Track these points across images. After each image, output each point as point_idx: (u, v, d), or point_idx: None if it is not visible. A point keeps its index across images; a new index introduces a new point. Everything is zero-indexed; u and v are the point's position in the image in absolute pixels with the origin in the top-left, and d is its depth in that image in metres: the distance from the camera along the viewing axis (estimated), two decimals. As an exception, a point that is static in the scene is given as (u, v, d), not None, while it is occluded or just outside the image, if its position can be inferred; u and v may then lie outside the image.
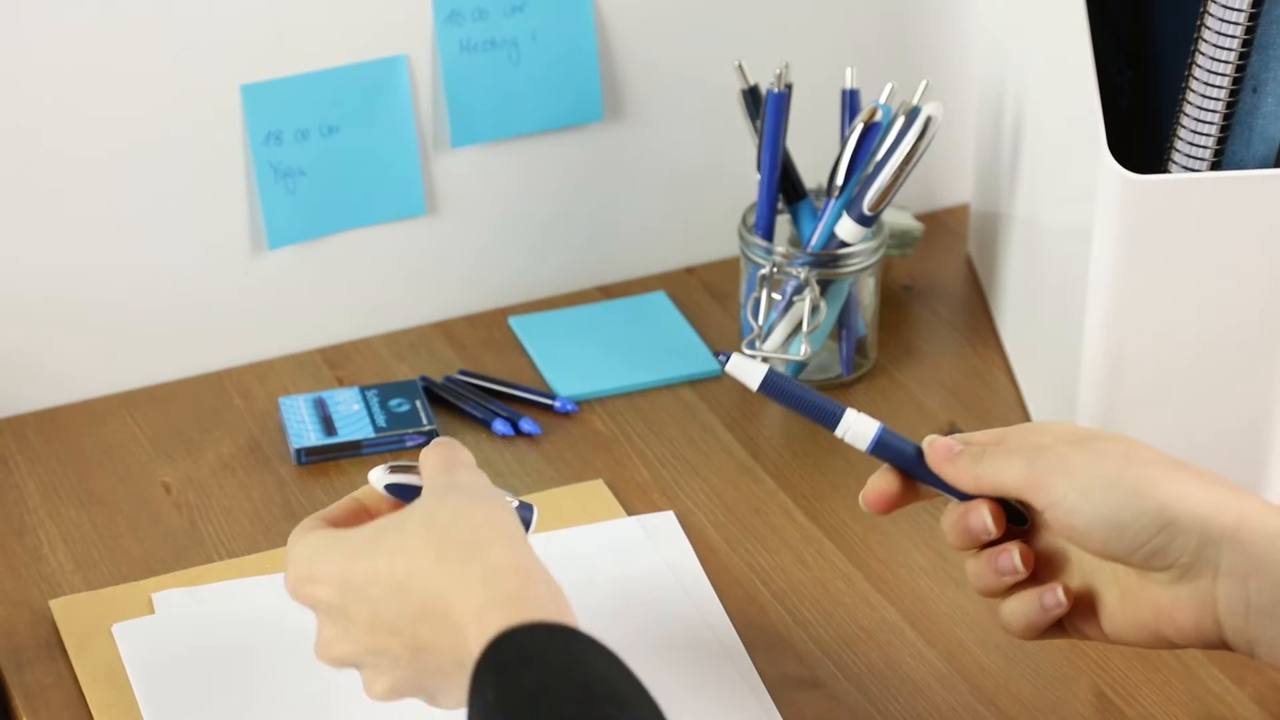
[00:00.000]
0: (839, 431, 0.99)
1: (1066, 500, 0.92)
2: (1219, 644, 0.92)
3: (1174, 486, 0.91)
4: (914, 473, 0.99)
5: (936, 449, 0.97)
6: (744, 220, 1.32)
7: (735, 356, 0.98)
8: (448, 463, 0.95)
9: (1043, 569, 0.98)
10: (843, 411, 0.99)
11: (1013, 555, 0.97)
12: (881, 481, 0.99)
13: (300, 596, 0.94)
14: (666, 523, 1.20)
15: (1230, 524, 0.89)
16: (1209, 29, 1.10)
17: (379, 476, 0.99)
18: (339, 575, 0.92)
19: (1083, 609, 0.97)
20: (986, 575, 0.98)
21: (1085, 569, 0.97)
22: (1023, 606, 0.97)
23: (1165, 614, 0.92)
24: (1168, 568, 0.91)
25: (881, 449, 0.99)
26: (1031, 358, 1.32)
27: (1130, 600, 0.94)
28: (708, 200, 1.44)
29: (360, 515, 0.99)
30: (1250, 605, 0.90)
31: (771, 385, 0.98)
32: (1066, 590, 0.96)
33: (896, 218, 1.43)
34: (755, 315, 1.30)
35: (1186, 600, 0.91)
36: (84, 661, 1.10)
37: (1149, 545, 0.91)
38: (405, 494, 0.98)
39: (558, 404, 1.30)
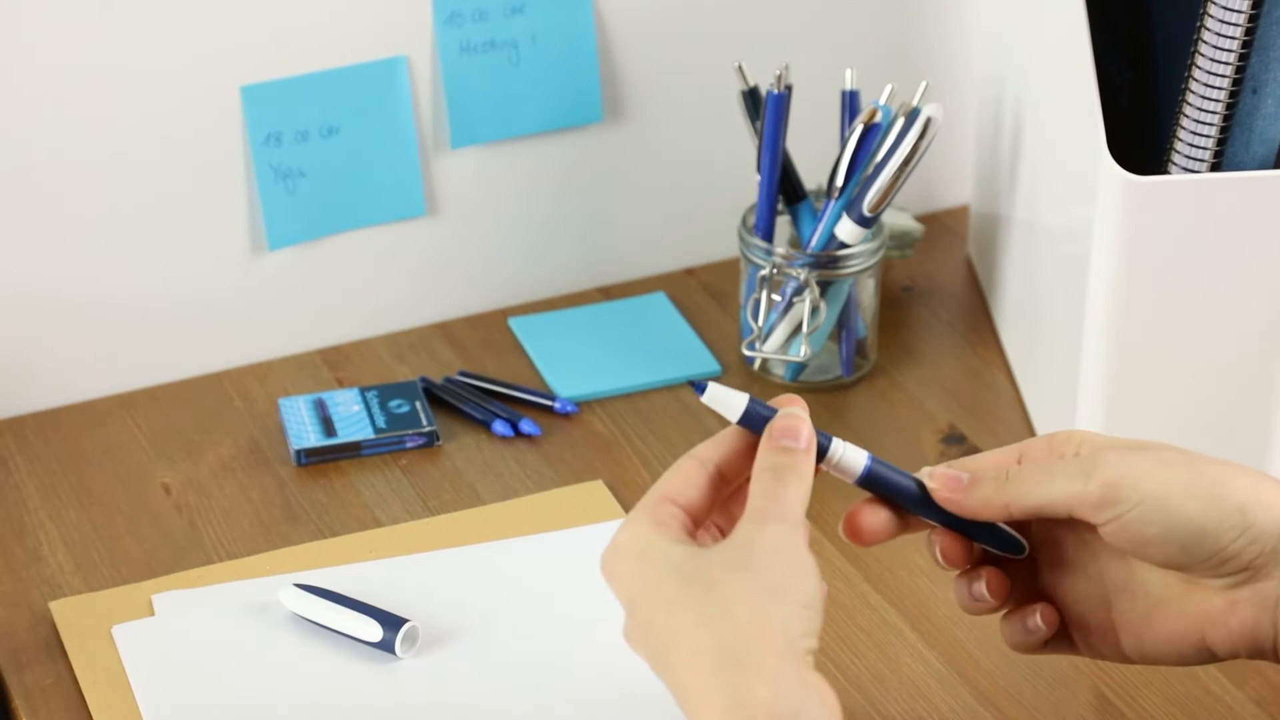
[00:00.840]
0: (824, 465, 0.91)
1: (1141, 509, 0.87)
2: (1269, 649, 0.89)
3: (1247, 485, 0.87)
4: (906, 505, 0.93)
5: (944, 481, 0.92)
6: (744, 221, 1.32)
7: (713, 386, 0.90)
8: (765, 507, 0.87)
9: (1051, 588, 0.95)
10: (829, 442, 0.91)
11: (981, 585, 0.94)
12: (870, 515, 0.93)
13: (602, 572, 0.89)
14: (666, 524, 1.20)
15: None
16: (1209, 30, 1.10)
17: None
18: (625, 597, 0.87)
19: (1099, 628, 0.93)
20: (964, 599, 0.96)
21: (1106, 585, 0.93)
22: (1010, 628, 0.95)
23: (1218, 619, 0.89)
24: (1239, 571, 0.88)
25: (871, 482, 0.92)
26: (1031, 359, 1.32)
27: (1168, 611, 0.91)
28: (707, 201, 1.44)
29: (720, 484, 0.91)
30: None
31: (753, 416, 0.90)
32: (1047, 614, 0.93)
33: (896, 219, 1.43)
34: (755, 316, 1.30)
35: (1246, 602, 0.88)
36: (84, 663, 1.10)
37: (1229, 549, 0.87)
38: (760, 427, 0.90)
39: (557, 405, 1.30)
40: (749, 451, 0.91)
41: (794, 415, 0.90)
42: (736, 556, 0.86)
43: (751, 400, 0.91)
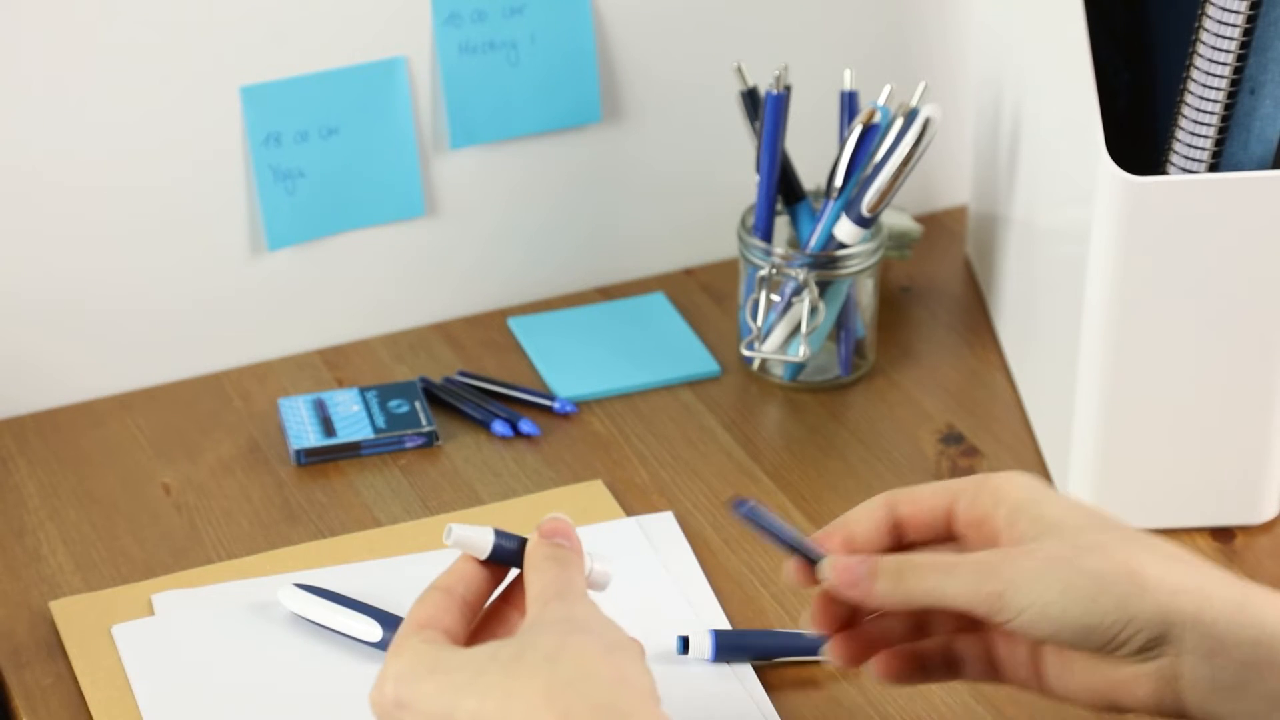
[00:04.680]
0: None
1: (1027, 617, 0.87)
2: (1178, 715, 0.89)
3: (1125, 575, 0.87)
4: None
5: (842, 576, 0.91)
6: (743, 222, 1.33)
7: (456, 529, 0.91)
8: (561, 587, 0.88)
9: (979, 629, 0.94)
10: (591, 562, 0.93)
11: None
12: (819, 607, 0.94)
13: (386, 710, 0.86)
14: (665, 523, 1.20)
15: (1192, 607, 0.86)
16: (1207, 30, 1.10)
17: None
18: (438, 711, 0.84)
19: (1025, 666, 0.93)
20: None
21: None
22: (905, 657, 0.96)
23: (1123, 687, 0.89)
24: (1136, 652, 0.88)
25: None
26: (1029, 359, 1.32)
27: (1082, 671, 0.91)
28: (706, 202, 1.44)
29: (473, 602, 0.91)
30: (1215, 681, 0.87)
31: (501, 550, 0.92)
32: (972, 643, 0.94)
33: (895, 219, 1.43)
34: (754, 316, 1.30)
35: (1148, 676, 0.88)
36: (84, 662, 1.10)
37: (1117, 639, 0.87)
38: (508, 558, 0.92)
39: (557, 405, 1.31)
40: (491, 578, 0.92)
41: (561, 519, 0.91)
42: (562, 625, 0.85)
43: (497, 533, 0.92)
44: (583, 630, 0.85)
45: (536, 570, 0.89)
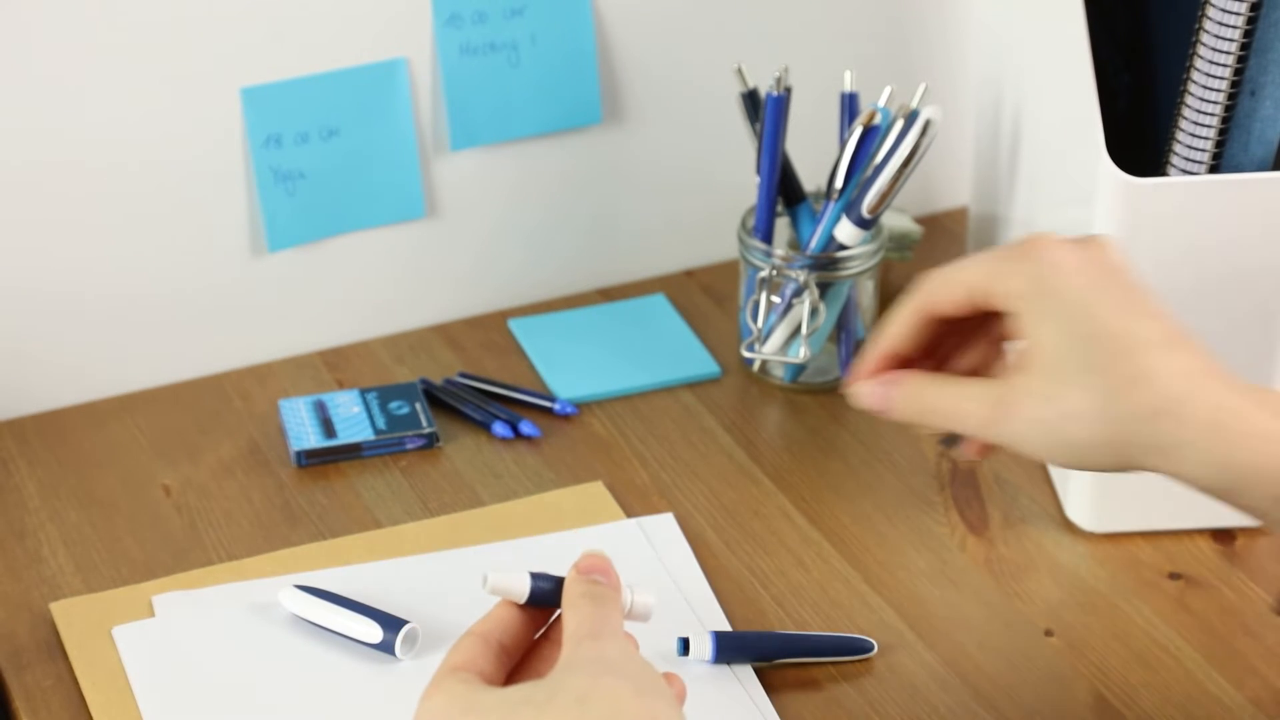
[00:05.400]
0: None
1: (1022, 453, 0.95)
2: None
3: (1110, 445, 0.92)
4: None
5: (872, 401, 0.98)
6: (743, 223, 1.33)
7: (493, 576, 0.91)
8: (596, 627, 0.87)
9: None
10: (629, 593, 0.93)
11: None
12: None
13: None
14: (665, 525, 1.20)
15: (1167, 468, 0.92)
16: (1207, 32, 1.10)
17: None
18: None
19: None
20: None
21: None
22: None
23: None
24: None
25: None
26: (1030, 360, 1.32)
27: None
28: (707, 203, 1.44)
29: (510, 648, 0.91)
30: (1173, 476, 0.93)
31: (539, 593, 0.91)
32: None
33: (895, 220, 1.43)
34: (754, 318, 1.30)
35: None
36: (84, 664, 1.10)
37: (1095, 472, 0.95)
38: (547, 598, 0.92)
39: (557, 407, 1.31)
40: (530, 622, 0.92)
41: (598, 554, 0.91)
42: (593, 667, 0.85)
43: (533, 576, 0.91)
44: (613, 672, 0.84)
45: (573, 608, 0.89)
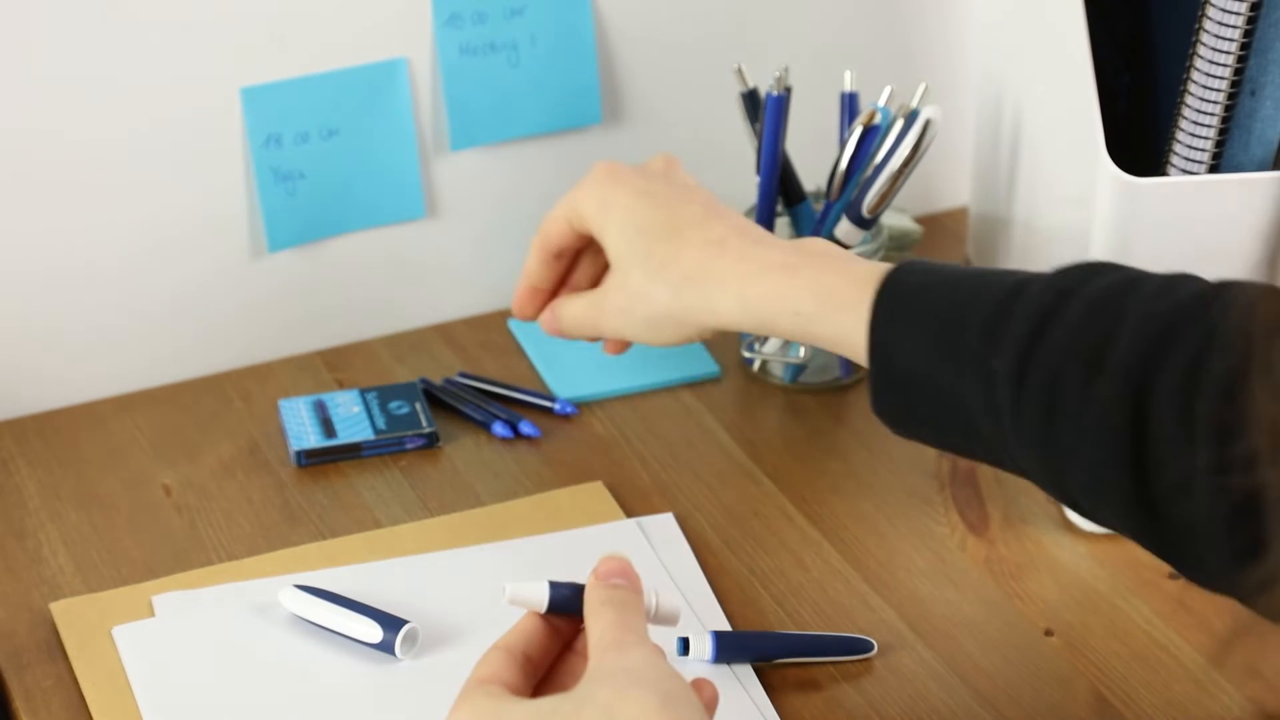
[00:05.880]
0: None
1: (625, 338, 1.18)
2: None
3: (670, 316, 1.12)
4: None
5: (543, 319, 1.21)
6: (743, 223, 1.32)
7: (510, 587, 0.92)
8: (620, 635, 0.88)
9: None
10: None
11: None
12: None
13: None
14: (666, 525, 1.20)
15: (701, 308, 1.11)
16: (1207, 32, 1.10)
17: (535, 592, 0.91)
18: None
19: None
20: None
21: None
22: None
23: None
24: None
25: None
26: (1030, 360, 1.32)
27: None
28: (707, 203, 1.44)
29: (538, 657, 0.92)
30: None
31: (558, 600, 0.92)
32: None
33: (895, 220, 1.43)
34: (754, 318, 1.30)
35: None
36: (84, 664, 1.10)
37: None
38: (567, 605, 0.92)
39: (557, 406, 1.31)
40: (554, 633, 0.92)
41: (618, 558, 0.92)
42: (619, 678, 0.84)
43: (553, 585, 0.91)
44: (640, 683, 0.84)
45: (595, 616, 0.89)
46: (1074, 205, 1.18)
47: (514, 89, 1.36)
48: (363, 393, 1.31)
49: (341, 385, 1.34)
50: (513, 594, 0.91)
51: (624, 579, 0.91)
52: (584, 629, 0.92)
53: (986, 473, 1.25)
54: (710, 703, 0.90)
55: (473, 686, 0.89)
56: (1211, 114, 1.12)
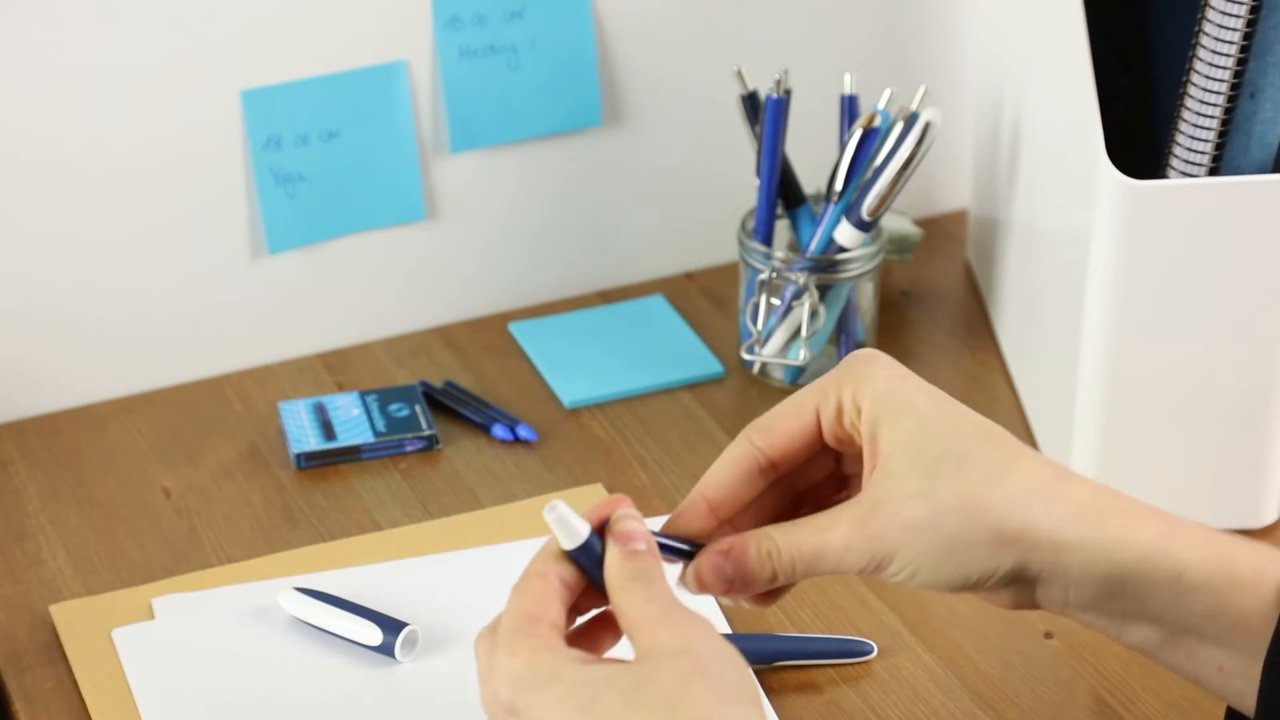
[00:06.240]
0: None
1: (901, 578, 0.87)
2: (1032, 609, 0.90)
3: (991, 530, 0.86)
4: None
5: (713, 577, 0.89)
6: (743, 225, 1.33)
7: (562, 507, 0.86)
8: (663, 607, 0.83)
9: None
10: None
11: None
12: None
13: (498, 711, 0.83)
14: (666, 527, 1.20)
15: (1050, 554, 0.87)
16: (1207, 35, 1.10)
17: (577, 527, 0.86)
18: None
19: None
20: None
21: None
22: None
23: (985, 594, 0.89)
24: (994, 586, 0.88)
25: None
26: (1030, 363, 1.32)
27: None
28: (707, 205, 1.44)
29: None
30: (1068, 601, 0.88)
31: (589, 549, 0.87)
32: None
33: (895, 223, 1.43)
34: (754, 320, 1.31)
35: (1007, 593, 0.89)
36: (84, 666, 1.10)
37: (980, 584, 0.88)
38: (586, 559, 0.87)
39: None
40: (579, 568, 0.87)
41: (628, 515, 0.87)
42: (680, 662, 0.81)
43: (594, 533, 0.87)
44: (704, 673, 0.81)
45: (624, 591, 0.85)
46: (1074, 208, 1.18)
47: (514, 91, 1.36)
48: (362, 395, 1.31)
49: (341, 388, 1.34)
50: (560, 514, 0.86)
51: (642, 542, 0.87)
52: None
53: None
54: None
55: (521, 625, 0.84)
56: (1211, 116, 1.12)
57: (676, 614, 0.84)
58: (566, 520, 0.86)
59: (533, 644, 0.83)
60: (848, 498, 0.90)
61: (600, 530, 0.88)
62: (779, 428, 0.90)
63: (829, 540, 0.87)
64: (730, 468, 0.90)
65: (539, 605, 0.85)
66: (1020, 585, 0.88)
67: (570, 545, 0.87)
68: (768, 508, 0.92)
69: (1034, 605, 0.89)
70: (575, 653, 0.84)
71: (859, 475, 0.90)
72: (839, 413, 0.89)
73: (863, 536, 0.87)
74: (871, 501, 0.87)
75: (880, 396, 0.88)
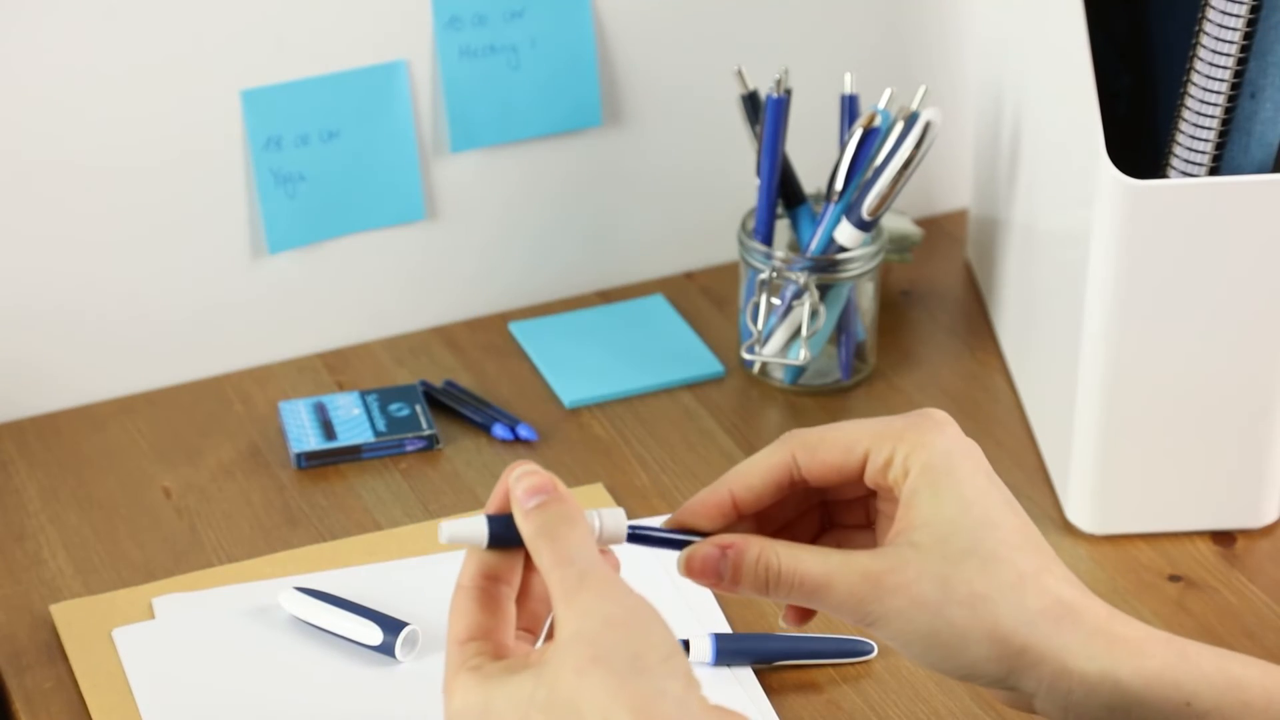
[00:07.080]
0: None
1: (892, 642, 0.87)
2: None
3: (991, 636, 0.85)
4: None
5: (704, 570, 0.87)
6: (743, 225, 1.33)
7: (446, 525, 0.85)
8: (563, 577, 0.81)
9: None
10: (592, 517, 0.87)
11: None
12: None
13: None
14: (666, 527, 1.20)
15: (1049, 677, 0.85)
16: (1207, 35, 1.10)
17: (474, 529, 0.85)
18: None
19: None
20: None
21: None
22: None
23: (976, 683, 0.88)
24: (984, 685, 0.87)
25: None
26: (1030, 362, 1.32)
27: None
28: (707, 205, 1.44)
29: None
30: (1066, 716, 0.87)
31: (498, 534, 0.85)
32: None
33: (895, 223, 1.43)
34: (754, 320, 1.31)
35: (1000, 693, 0.88)
36: (84, 666, 1.10)
37: (968, 678, 0.87)
38: (511, 538, 0.86)
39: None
40: (509, 555, 0.86)
41: (529, 470, 0.84)
42: (575, 650, 0.79)
43: (490, 520, 0.85)
44: (598, 657, 0.79)
45: (535, 554, 0.83)
46: (1074, 207, 1.18)
47: (514, 91, 1.36)
48: (363, 395, 1.31)
49: (342, 387, 1.34)
50: (451, 534, 0.85)
51: (544, 493, 0.83)
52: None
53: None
54: (615, 566, 0.86)
55: (456, 659, 0.83)
56: (1211, 116, 1.12)
57: (572, 580, 0.81)
58: (460, 528, 0.85)
59: (461, 680, 0.83)
60: (871, 530, 0.90)
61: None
62: (824, 458, 0.88)
63: (834, 583, 0.86)
64: (765, 475, 0.89)
65: (465, 625, 0.85)
66: (1018, 694, 0.87)
67: (485, 544, 0.86)
68: (789, 505, 0.91)
69: (1030, 710, 0.88)
70: (503, 664, 0.83)
71: (890, 516, 0.89)
72: (887, 465, 0.87)
73: (867, 593, 0.85)
74: (887, 563, 0.85)
75: (930, 469, 0.86)
